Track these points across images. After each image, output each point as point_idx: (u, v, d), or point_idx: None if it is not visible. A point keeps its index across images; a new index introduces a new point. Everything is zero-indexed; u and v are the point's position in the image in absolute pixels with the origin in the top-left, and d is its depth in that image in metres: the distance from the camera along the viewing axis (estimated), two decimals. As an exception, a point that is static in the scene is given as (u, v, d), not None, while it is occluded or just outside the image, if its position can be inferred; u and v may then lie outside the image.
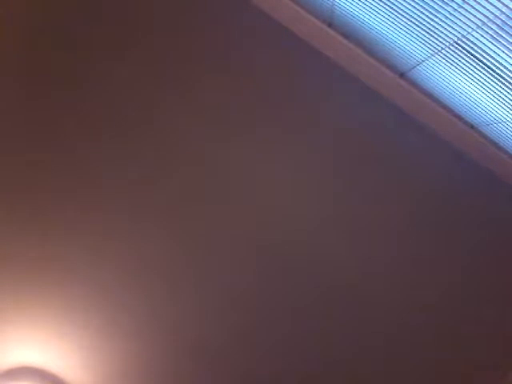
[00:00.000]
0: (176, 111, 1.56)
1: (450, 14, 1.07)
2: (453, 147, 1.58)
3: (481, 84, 1.25)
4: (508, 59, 1.08)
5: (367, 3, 1.24)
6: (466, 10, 1.02)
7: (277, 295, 1.67)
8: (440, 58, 1.27)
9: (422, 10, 1.12)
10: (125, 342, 1.67)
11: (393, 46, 1.36)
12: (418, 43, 1.27)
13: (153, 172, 1.59)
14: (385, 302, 1.68)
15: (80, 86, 1.53)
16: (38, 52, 1.50)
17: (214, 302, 1.67)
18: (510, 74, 1.12)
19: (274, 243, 1.64)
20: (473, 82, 1.27)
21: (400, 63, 1.43)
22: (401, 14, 1.19)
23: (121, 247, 1.61)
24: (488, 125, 1.43)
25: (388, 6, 1.19)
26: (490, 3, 0.96)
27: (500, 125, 1.37)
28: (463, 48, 1.16)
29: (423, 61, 1.33)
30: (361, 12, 1.31)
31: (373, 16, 1.28)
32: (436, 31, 1.16)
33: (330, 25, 1.47)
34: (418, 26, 1.19)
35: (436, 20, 1.12)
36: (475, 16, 1.03)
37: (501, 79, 1.17)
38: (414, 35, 1.24)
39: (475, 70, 1.21)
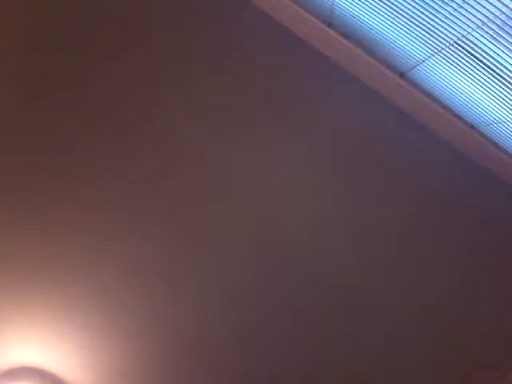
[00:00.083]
0: (176, 111, 1.56)
1: (450, 13, 1.07)
2: (453, 147, 1.58)
3: (481, 84, 1.25)
4: (508, 59, 1.08)
5: (367, 3, 1.24)
6: (466, 10, 1.02)
7: (277, 295, 1.67)
8: (440, 58, 1.27)
9: (422, 9, 1.12)
10: (125, 341, 1.67)
11: (393, 46, 1.36)
12: (418, 43, 1.27)
13: (153, 172, 1.59)
14: (385, 302, 1.68)
15: (80, 86, 1.53)
16: (38, 52, 1.50)
17: (214, 302, 1.67)
18: (510, 73, 1.12)
19: (273, 243, 1.64)
20: (473, 82, 1.27)
21: (400, 63, 1.43)
22: (401, 14, 1.19)
23: (121, 247, 1.61)
24: (488, 125, 1.43)
25: (388, 6, 1.19)
26: (490, 3, 0.96)
27: (500, 125, 1.37)
28: (463, 48, 1.16)
29: (423, 61, 1.33)
30: (361, 12, 1.31)
31: (373, 16, 1.28)
32: (436, 31, 1.16)
33: (329, 25, 1.47)
34: (418, 26, 1.19)
35: (436, 20, 1.12)
36: (475, 16, 1.02)
37: (501, 79, 1.17)
38: (414, 35, 1.24)
39: (475, 69, 1.21)
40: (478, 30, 1.06)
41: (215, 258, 1.64)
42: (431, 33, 1.18)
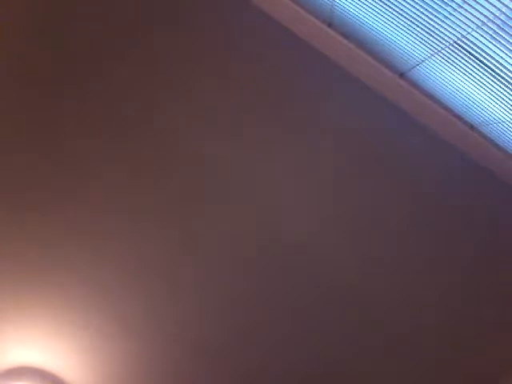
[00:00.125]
0: (176, 111, 1.56)
1: (450, 14, 1.07)
2: (453, 147, 1.58)
3: (481, 84, 1.25)
4: (508, 59, 1.08)
5: (367, 3, 1.24)
6: (466, 10, 1.02)
7: (277, 295, 1.67)
8: (440, 58, 1.26)
9: (421, 10, 1.12)
10: (125, 341, 1.67)
11: (393, 45, 1.36)
12: (418, 43, 1.27)
13: (153, 172, 1.59)
14: (385, 302, 1.68)
15: (80, 86, 1.53)
16: (38, 52, 1.50)
17: (214, 302, 1.67)
18: (510, 73, 1.12)
19: (274, 243, 1.64)
20: (473, 82, 1.27)
21: (400, 63, 1.43)
22: (400, 14, 1.19)
23: (121, 247, 1.61)
24: (488, 125, 1.43)
25: (388, 6, 1.19)
26: (490, 3, 0.96)
27: (500, 125, 1.37)
28: (463, 48, 1.16)
29: (423, 61, 1.33)
30: (360, 12, 1.31)
31: (373, 16, 1.28)
32: (436, 31, 1.16)
33: (329, 25, 1.47)
34: (418, 26, 1.19)
35: (436, 20, 1.12)
36: (475, 16, 1.02)
37: (501, 79, 1.17)
38: (414, 35, 1.24)
39: (475, 69, 1.21)
40: (477, 30, 1.06)
41: (215, 258, 1.64)
42: (431, 33, 1.18)
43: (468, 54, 1.17)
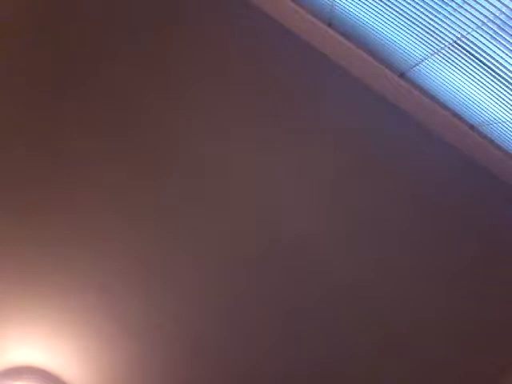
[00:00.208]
0: (176, 111, 1.56)
1: (450, 13, 1.07)
2: (452, 147, 1.58)
3: (481, 84, 1.25)
4: (508, 59, 1.08)
5: (367, 3, 1.24)
6: (466, 9, 1.02)
7: (277, 295, 1.67)
8: (440, 58, 1.26)
9: (421, 9, 1.12)
10: (125, 341, 1.67)
11: (392, 45, 1.36)
12: (418, 43, 1.27)
13: (153, 172, 1.59)
14: (385, 301, 1.68)
15: (80, 86, 1.53)
16: (38, 52, 1.50)
17: (214, 302, 1.67)
18: (510, 73, 1.12)
19: (274, 243, 1.64)
20: (473, 82, 1.27)
21: (400, 63, 1.43)
22: (400, 14, 1.19)
23: (121, 247, 1.61)
24: (488, 125, 1.43)
25: (388, 5, 1.19)
26: (490, 3, 0.96)
27: (500, 125, 1.37)
28: (463, 48, 1.16)
29: (423, 60, 1.33)
30: (360, 12, 1.31)
31: (372, 16, 1.28)
32: (436, 31, 1.16)
33: (329, 25, 1.47)
34: (418, 26, 1.19)
35: (436, 20, 1.12)
36: (475, 16, 1.02)
37: (501, 79, 1.17)
38: (414, 35, 1.24)
39: (475, 69, 1.21)
40: (477, 30, 1.06)
41: (215, 258, 1.64)
42: (431, 32, 1.18)
43: (468, 54, 1.17)
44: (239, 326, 1.68)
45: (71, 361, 1.66)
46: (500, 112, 1.30)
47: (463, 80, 1.29)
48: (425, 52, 1.29)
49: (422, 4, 1.10)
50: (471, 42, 1.12)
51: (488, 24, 1.02)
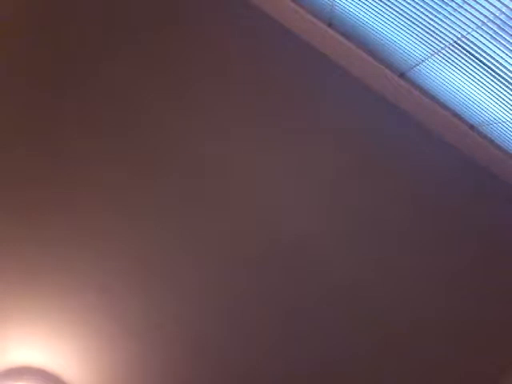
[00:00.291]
0: (176, 111, 1.56)
1: (450, 13, 1.07)
2: (452, 147, 1.58)
3: (481, 84, 1.25)
4: (508, 59, 1.08)
5: (367, 3, 1.24)
6: (466, 9, 1.02)
7: (277, 295, 1.67)
8: (440, 58, 1.26)
9: (422, 9, 1.12)
10: (125, 341, 1.67)
11: (393, 45, 1.36)
12: (418, 43, 1.27)
13: (153, 172, 1.59)
14: (385, 301, 1.68)
15: (80, 86, 1.53)
16: (38, 52, 1.50)
17: (214, 302, 1.67)
18: (510, 73, 1.12)
19: (274, 243, 1.64)
20: (473, 82, 1.27)
21: (400, 63, 1.43)
22: (401, 14, 1.19)
23: (121, 247, 1.61)
24: (488, 125, 1.43)
25: (388, 5, 1.19)
26: (490, 3, 0.96)
27: (500, 125, 1.37)
28: (463, 48, 1.16)
29: (423, 61, 1.33)
30: (360, 12, 1.31)
31: (372, 16, 1.28)
32: (436, 31, 1.16)
33: (329, 25, 1.47)
34: (418, 26, 1.19)
35: (436, 20, 1.12)
36: (475, 16, 1.02)
37: (501, 79, 1.17)
38: (414, 35, 1.24)
39: (475, 69, 1.21)
40: (477, 30, 1.06)
41: (215, 258, 1.64)
42: (431, 32, 1.18)
43: (468, 54, 1.17)
44: (239, 326, 1.68)
45: (71, 361, 1.66)
46: (500, 112, 1.30)
47: (463, 80, 1.29)
48: (425, 52, 1.29)
49: (421, 4, 1.10)
50: (471, 42, 1.12)
51: (488, 24, 1.02)
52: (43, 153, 1.55)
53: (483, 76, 1.21)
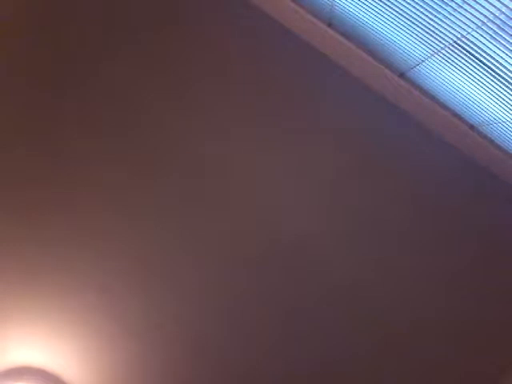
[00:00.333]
0: (176, 111, 1.56)
1: (450, 13, 1.07)
2: (452, 147, 1.58)
3: (481, 84, 1.25)
4: (508, 59, 1.08)
5: (367, 3, 1.24)
6: (466, 9, 1.02)
7: (277, 295, 1.67)
8: (440, 58, 1.26)
9: (421, 10, 1.12)
10: (125, 341, 1.67)
11: (392, 45, 1.36)
12: (418, 43, 1.27)
13: (153, 172, 1.59)
14: (385, 301, 1.68)
15: (80, 86, 1.53)
16: (38, 52, 1.50)
17: (214, 302, 1.67)
18: (510, 73, 1.12)
19: (274, 243, 1.64)
20: (473, 82, 1.27)
21: (400, 63, 1.43)
22: (401, 14, 1.19)
23: (121, 247, 1.61)
24: (488, 125, 1.43)
25: (388, 5, 1.19)
26: (490, 3, 0.96)
27: (500, 125, 1.37)
28: (463, 48, 1.16)
29: (423, 61, 1.33)
30: (360, 12, 1.31)
31: (372, 16, 1.28)
32: (436, 31, 1.16)
33: (329, 25, 1.47)
34: (418, 26, 1.19)
35: (436, 20, 1.12)
36: (475, 16, 1.02)
37: (501, 79, 1.17)
38: (414, 35, 1.24)
39: (475, 69, 1.21)
40: (477, 30, 1.06)
41: (215, 258, 1.64)
42: (431, 33, 1.18)
43: (468, 54, 1.17)
44: (239, 326, 1.68)
45: (71, 361, 1.66)
46: (500, 112, 1.30)
47: (463, 80, 1.29)
48: (425, 52, 1.29)
49: (421, 4, 1.10)
50: (471, 42, 1.12)
51: (488, 24, 1.02)
52: (43, 153, 1.55)
53: (483, 76, 1.21)
